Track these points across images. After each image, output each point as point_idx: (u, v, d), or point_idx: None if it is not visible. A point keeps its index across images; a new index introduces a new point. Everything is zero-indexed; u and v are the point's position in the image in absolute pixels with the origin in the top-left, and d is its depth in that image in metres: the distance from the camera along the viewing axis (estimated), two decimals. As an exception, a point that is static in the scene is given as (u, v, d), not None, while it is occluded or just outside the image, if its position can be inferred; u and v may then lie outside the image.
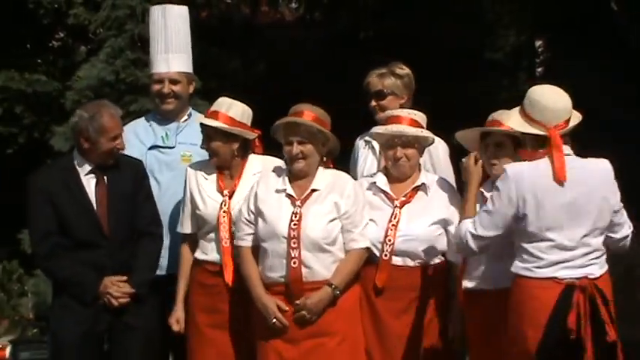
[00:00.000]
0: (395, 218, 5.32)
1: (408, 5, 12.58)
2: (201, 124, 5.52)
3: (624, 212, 4.89)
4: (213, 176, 5.55)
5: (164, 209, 5.76)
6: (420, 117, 5.43)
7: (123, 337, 5.44)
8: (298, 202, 5.26)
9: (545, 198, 4.67)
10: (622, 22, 11.72)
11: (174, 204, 5.79)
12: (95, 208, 5.44)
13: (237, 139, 5.49)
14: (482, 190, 5.13)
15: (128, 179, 5.55)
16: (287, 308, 5.20)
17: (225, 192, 5.50)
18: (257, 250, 5.33)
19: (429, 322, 5.32)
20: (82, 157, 5.49)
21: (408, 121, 5.37)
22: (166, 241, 5.71)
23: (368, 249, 5.29)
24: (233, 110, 5.49)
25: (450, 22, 12.45)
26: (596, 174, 4.78)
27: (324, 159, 5.37)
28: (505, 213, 4.70)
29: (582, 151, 4.84)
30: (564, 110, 4.78)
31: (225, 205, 5.47)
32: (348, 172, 5.59)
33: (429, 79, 6.87)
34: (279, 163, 5.47)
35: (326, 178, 5.32)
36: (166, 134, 6.03)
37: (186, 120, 6.08)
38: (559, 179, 4.67)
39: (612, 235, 4.85)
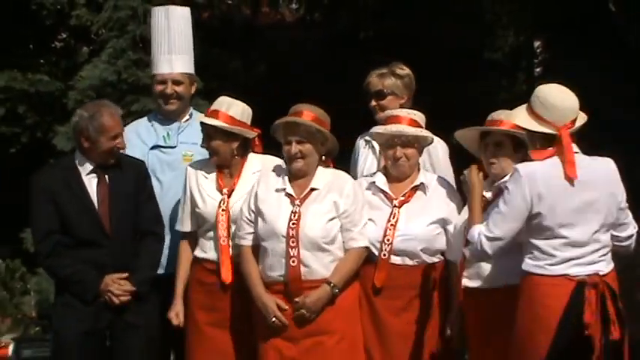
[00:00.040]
0: (394, 218, 5.33)
1: (408, 5, 12.57)
2: (202, 123, 5.55)
3: (629, 212, 4.91)
4: (213, 175, 5.58)
5: (166, 209, 5.78)
6: (419, 117, 5.45)
7: (124, 336, 5.46)
8: (297, 202, 5.28)
9: (559, 196, 4.67)
10: (620, 23, 11.72)
11: (176, 203, 5.79)
12: (96, 207, 5.46)
13: (237, 138, 5.51)
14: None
15: (130, 179, 5.57)
16: (286, 307, 5.22)
17: (224, 190, 5.52)
18: (258, 249, 5.36)
19: (428, 321, 5.33)
20: (83, 156, 5.51)
21: (407, 120, 5.38)
22: (167, 241, 5.73)
23: (367, 248, 5.31)
24: (233, 109, 5.51)
25: (450, 22, 12.43)
26: (604, 172, 4.80)
27: (323, 158, 5.39)
28: (519, 212, 4.68)
29: (583, 151, 4.86)
30: (572, 110, 4.79)
31: (223, 203, 5.49)
32: (348, 171, 5.61)
33: (429, 79, 6.87)
34: (279, 162, 5.49)
35: (325, 177, 5.34)
36: (168, 134, 6.05)
37: (187, 120, 6.09)
38: (571, 178, 4.67)
39: (618, 234, 4.86)
